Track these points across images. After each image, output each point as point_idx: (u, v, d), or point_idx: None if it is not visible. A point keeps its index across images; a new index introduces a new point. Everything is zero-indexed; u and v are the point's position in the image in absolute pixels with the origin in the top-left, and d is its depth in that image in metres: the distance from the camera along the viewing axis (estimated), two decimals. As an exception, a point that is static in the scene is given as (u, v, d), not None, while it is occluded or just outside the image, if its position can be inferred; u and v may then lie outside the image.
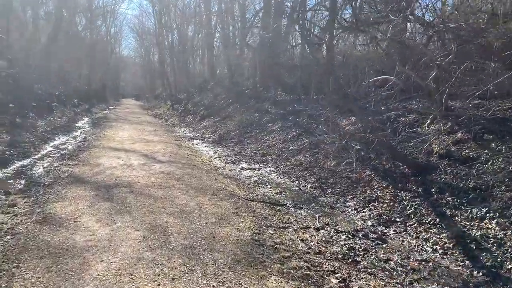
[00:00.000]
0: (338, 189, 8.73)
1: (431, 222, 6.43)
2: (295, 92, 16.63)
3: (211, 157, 12.95)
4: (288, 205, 7.76)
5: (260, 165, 11.71)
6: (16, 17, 27.70)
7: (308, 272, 4.64)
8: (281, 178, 10.18)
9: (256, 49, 19.73)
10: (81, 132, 18.33)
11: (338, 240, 6.03)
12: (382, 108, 11.15)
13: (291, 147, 12.27)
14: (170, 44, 40.56)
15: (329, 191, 8.75)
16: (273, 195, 8.40)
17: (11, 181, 9.01)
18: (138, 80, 75.81)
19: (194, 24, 38.86)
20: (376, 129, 10.15)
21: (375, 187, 8.21)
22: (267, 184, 9.46)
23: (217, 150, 14.38)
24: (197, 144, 15.96)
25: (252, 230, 5.85)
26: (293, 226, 6.43)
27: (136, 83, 78.04)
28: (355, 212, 7.56)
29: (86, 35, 47.56)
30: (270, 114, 16.28)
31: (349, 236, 6.26)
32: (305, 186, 9.33)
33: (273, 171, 10.87)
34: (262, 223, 6.29)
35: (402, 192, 7.61)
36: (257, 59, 19.44)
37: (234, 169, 11.09)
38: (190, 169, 10.10)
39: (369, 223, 6.97)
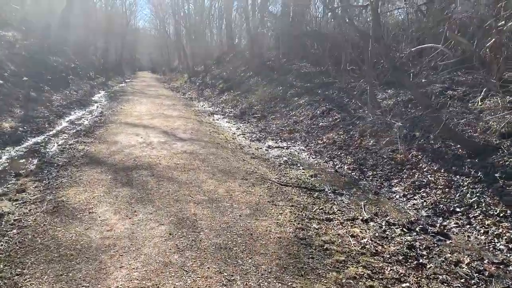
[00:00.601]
0: (381, 172, 7.76)
1: (501, 214, 5.45)
2: (322, 64, 15.45)
3: (234, 134, 12.05)
4: (326, 190, 6.85)
5: (288, 143, 10.77)
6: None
7: (372, 284, 3.75)
8: (313, 158, 9.24)
9: (278, 18, 18.44)
10: (97, 107, 17.58)
11: (393, 235, 5.13)
12: (423, 81, 10.00)
13: (321, 123, 11.27)
14: (186, 14, 39.19)
15: (370, 174, 7.80)
16: (307, 179, 7.49)
17: (23, 160, 8.31)
18: (153, 52, 74.64)
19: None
20: (421, 104, 9.08)
21: (424, 170, 7.22)
22: (298, 165, 8.55)
23: (240, 126, 13.46)
24: (218, 120, 15.06)
25: (294, 224, 4.99)
26: (337, 217, 5.53)
27: (152, 56, 76.92)
28: (405, 199, 6.62)
29: (102, 7, 46.46)
30: (295, 88, 15.21)
31: (404, 230, 5.35)
32: (342, 167, 8.39)
33: (303, 150, 9.94)
34: (303, 214, 5.41)
35: (458, 176, 6.61)
36: (279, 29, 18.18)
37: (261, 148, 10.18)
38: (214, 148, 9.23)
39: (424, 213, 6.04)
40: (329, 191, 6.81)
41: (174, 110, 16.37)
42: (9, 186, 6.37)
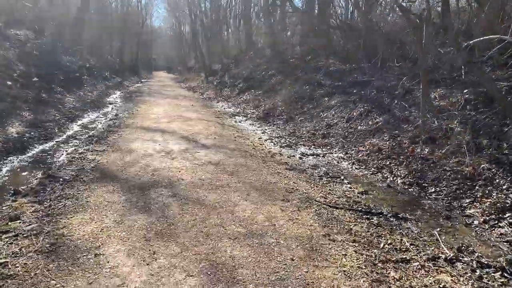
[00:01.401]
0: (445, 188, 6.39)
1: None
2: (352, 61, 14.06)
3: (260, 138, 10.78)
4: (385, 213, 5.52)
5: (324, 149, 9.45)
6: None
7: None
8: (356, 168, 7.91)
9: (303, 12, 17.08)
10: (112, 108, 16.50)
11: (494, 284, 3.78)
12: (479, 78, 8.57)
13: (359, 127, 9.91)
14: (203, 12, 38.02)
15: (432, 191, 6.44)
16: (357, 197, 6.18)
17: (26, 173, 7.20)
18: (169, 52, 73.87)
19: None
20: (483, 105, 7.68)
21: (504, 187, 5.83)
22: (342, 177, 7.24)
23: (266, 130, 12.18)
24: (240, 122, 13.81)
25: (366, 273, 3.69)
26: (414, 256, 4.22)
27: (167, 55, 76.17)
28: (487, 226, 5.25)
29: (117, 6, 45.68)
30: (325, 87, 13.85)
31: (506, 275, 3.99)
32: (395, 181, 7.05)
33: (343, 159, 8.61)
34: (372, 255, 4.11)
35: (554, 198, 5.20)
36: (304, 24, 16.82)
37: (294, 156, 8.90)
38: (243, 158, 7.98)
39: (521, 248, 4.65)
40: (389, 215, 5.48)
41: (193, 111, 15.17)
42: (3, 209, 5.21)
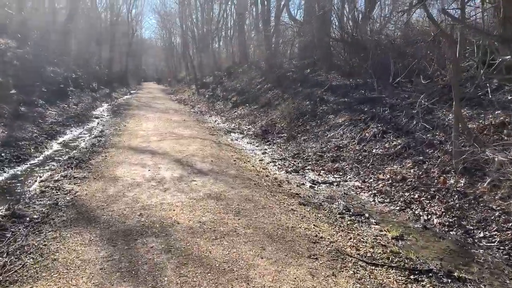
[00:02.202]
0: (497, 233, 5.20)
1: None
2: (357, 75, 12.96)
3: (262, 161, 9.56)
4: (435, 271, 4.29)
5: (336, 176, 8.24)
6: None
7: None
8: (380, 202, 6.69)
9: (302, 24, 16.00)
10: (98, 123, 15.12)
11: None
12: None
13: (374, 150, 8.73)
14: (194, 24, 36.91)
15: (481, 236, 5.24)
16: (393, 244, 4.97)
17: (-16, 210, 5.78)
18: (159, 63, 72.59)
19: (220, 2, 35.09)
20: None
21: None
22: (366, 215, 6.02)
23: (266, 150, 10.95)
24: (237, 140, 12.56)
25: None
26: None
27: (157, 66, 74.86)
28: None
29: (107, 16, 44.30)
30: (328, 103, 12.69)
31: None
32: (430, 221, 5.85)
33: (361, 189, 7.39)
34: None
35: None
36: (304, 35, 15.73)
37: (303, 184, 7.67)
38: (247, 188, 6.72)
39: None
40: (440, 273, 4.25)
41: (185, 127, 13.87)
42: None
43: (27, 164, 8.71)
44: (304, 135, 11.63)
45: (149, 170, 7.66)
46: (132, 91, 38.84)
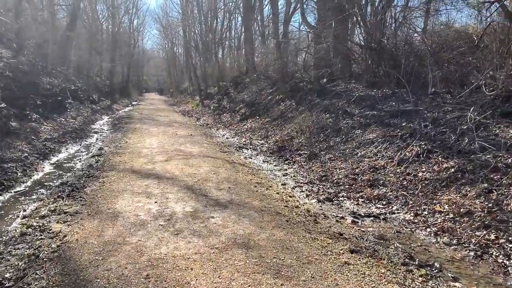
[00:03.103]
0: None
1: None
2: (384, 86, 11.61)
3: (285, 185, 8.17)
4: None
5: (378, 205, 6.84)
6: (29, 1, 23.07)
7: None
8: (446, 245, 5.30)
9: (318, 29, 14.70)
10: (97, 139, 13.75)
11: None
12: None
13: (420, 174, 7.33)
14: (197, 34, 35.74)
15: None
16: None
17: None
18: (161, 73, 71.53)
19: (224, 11, 33.97)
20: None
21: None
22: (437, 266, 4.62)
23: (287, 170, 9.56)
24: (251, 158, 11.17)
25: None
26: None
27: (159, 77, 73.78)
28: None
29: (108, 27, 43.23)
30: (353, 116, 11.31)
31: None
32: (526, 277, 4.40)
33: (415, 224, 5.99)
34: None
35: None
36: (320, 42, 14.40)
37: (342, 217, 6.28)
38: (279, 228, 5.34)
39: None
40: None
41: (193, 143, 12.49)
42: None
43: (11, 192, 7.33)
44: (328, 152, 10.24)
45: (155, 202, 6.25)
46: (133, 102, 37.59)
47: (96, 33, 36.64)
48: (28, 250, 4.65)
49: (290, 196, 7.24)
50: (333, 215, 6.38)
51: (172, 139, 13.17)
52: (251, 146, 13.07)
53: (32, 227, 5.40)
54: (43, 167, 9.35)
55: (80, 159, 10.48)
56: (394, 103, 10.57)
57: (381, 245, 5.20)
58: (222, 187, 7.31)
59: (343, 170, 8.84)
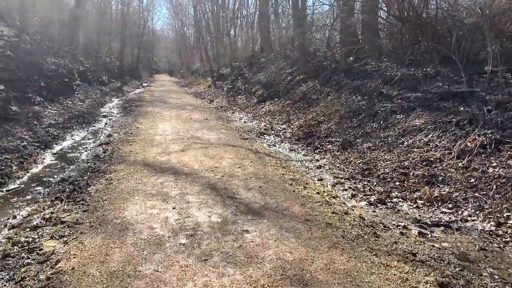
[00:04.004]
0: None
1: None
2: (421, 64, 10.07)
3: (322, 181, 6.89)
4: None
5: (444, 210, 5.51)
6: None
7: None
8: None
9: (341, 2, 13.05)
10: (106, 124, 12.48)
11: None
12: None
13: (490, 170, 5.93)
14: (210, 12, 33.94)
15: None
16: None
17: None
18: (171, 54, 69.71)
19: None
20: None
21: None
22: None
23: (319, 161, 8.22)
24: (275, 145, 9.84)
25: None
26: None
27: (169, 58, 71.98)
28: None
29: (117, 7, 41.50)
30: (391, 98, 9.83)
31: None
32: None
33: (501, 238, 4.63)
34: None
35: None
36: (347, 16, 12.78)
37: (405, 226, 4.94)
38: (336, 248, 4.06)
39: None
40: None
41: (210, 129, 11.15)
42: None
43: (2, 190, 6.08)
44: (365, 140, 8.82)
45: (173, 207, 4.95)
46: (144, 84, 36.21)
47: (105, 13, 35.01)
48: (8, 283, 3.39)
49: (334, 197, 5.90)
50: (393, 224, 5.03)
51: (186, 124, 11.83)
52: (272, 132, 11.70)
53: (19, 245, 4.15)
54: (44, 158, 8.09)
55: (86, 147, 9.22)
56: (441, 84, 9.05)
57: (470, 271, 3.85)
58: (252, 185, 5.97)
59: (388, 162, 7.44)
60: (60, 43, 20.09)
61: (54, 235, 4.29)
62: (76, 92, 16.91)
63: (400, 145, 7.88)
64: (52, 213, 4.98)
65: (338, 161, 8.20)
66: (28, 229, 4.56)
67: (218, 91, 24.56)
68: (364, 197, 6.06)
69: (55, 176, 6.89)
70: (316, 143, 9.76)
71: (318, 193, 5.98)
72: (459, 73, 8.76)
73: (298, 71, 15.79)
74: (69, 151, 8.95)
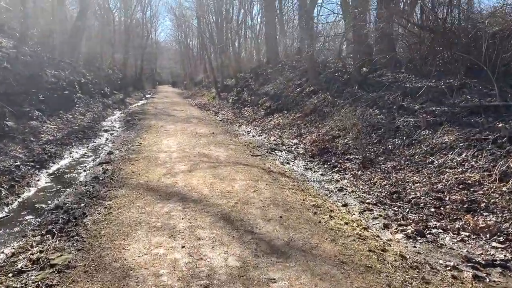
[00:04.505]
0: None
1: None
2: (450, 75, 9.36)
3: (347, 207, 6.11)
4: None
5: (495, 245, 4.75)
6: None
7: None
8: None
9: (353, 9, 12.40)
10: (107, 139, 11.76)
11: None
12: None
13: (545, 198, 5.11)
14: (212, 23, 33.49)
15: None
16: None
17: None
18: (174, 66, 69.44)
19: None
20: None
21: None
22: None
23: (340, 182, 7.50)
24: (288, 163, 9.11)
25: None
26: None
27: (172, 69, 71.73)
28: None
29: (121, 18, 41.20)
30: (413, 112, 9.11)
31: None
32: None
33: None
34: None
35: None
36: (360, 26, 12.13)
37: (455, 267, 4.19)
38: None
39: None
40: None
41: (217, 144, 10.43)
42: None
43: (-15, 222, 5.33)
44: (388, 158, 8.07)
45: (182, 246, 4.19)
46: (147, 95, 35.68)
47: (108, 24, 34.64)
48: None
49: (365, 229, 5.12)
50: (441, 263, 4.26)
51: (192, 139, 11.11)
52: (284, 147, 10.96)
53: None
54: (38, 180, 7.37)
55: (85, 167, 8.49)
56: (469, 97, 8.31)
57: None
58: (271, 214, 5.21)
59: (418, 184, 6.68)
60: (61, 55, 19.52)
61: (41, 285, 3.53)
62: (77, 105, 16.28)
63: (430, 165, 7.12)
64: (40, 251, 4.24)
65: (360, 182, 7.44)
66: (11, 274, 3.82)
67: (223, 103, 23.92)
68: (399, 227, 5.29)
69: (49, 202, 6.15)
70: (333, 161, 9.01)
71: (346, 223, 5.22)
72: (488, 85, 8.07)
73: (308, 83, 15.10)
74: (67, 171, 8.22)
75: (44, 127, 11.41)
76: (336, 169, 8.44)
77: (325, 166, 8.80)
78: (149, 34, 50.99)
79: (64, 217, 5.25)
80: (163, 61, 72.60)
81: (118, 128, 14.46)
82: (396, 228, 5.27)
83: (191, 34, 47.62)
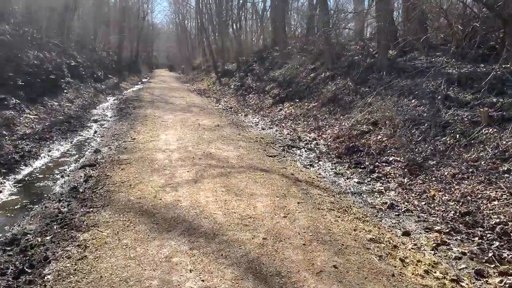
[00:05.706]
0: None
1: None
2: (493, 59, 7.60)
3: (409, 236, 4.38)
4: None
5: None
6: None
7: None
8: None
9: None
10: (95, 132, 9.99)
11: None
12: None
13: None
14: (211, 4, 31.27)
15: None
16: None
17: None
18: (171, 50, 66.88)
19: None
20: None
21: None
22: None
23: (384, 194, 5.80)
24: (312, 165, 7.46)
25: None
26: None
27: (169, 53, 69.18)
28: None
29: (116, -1, 38.73)
30: (465, 104, 7.35)
31: None
32: None
33: None
34: None
35: None
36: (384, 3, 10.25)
37: None
38: None
39: None
40: None
41: (225, 141, 8.71)
42: None
43: None
44: (442, 162, 6.37)
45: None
46: (143, 79, 33.69)
47: (103, 3, 32.30)
48: None
49: (456, 281, 3.42)
50: None
51: (195, 134, 9.35)
52: (302, 144, 9.28)
53: None
54: (0, 191, 5.59)
55: (64, 171, 6.74)
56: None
57: None
58: (319, 261, 3.53)
59: (496, 202, 5.01)
60: (49, 34, 17.47)
61: None
62: (65, 91, 14.43)
63: (506, 175, 5.40)
64: None
65: (412, 194, 5.76)
66: None
67: (224, 89, 22.06)
68: (496, 274, 3.60)
69: (6, 228, 4.42)
70: (366, 163, 7.32)
71: (426, 271, 3.53)
72: None
73: (323, 67, 13.26)
74: (40, 176, 6.48)
75: (21, 118, 9.61)
76: (375, 175, 6.75)
77: (359, 170, 7.11)
78: (146, 15, 48.51)
79: (17, 263, 3.53)
80: (160, 44, 69.96)
81: (110, 117, 12.64)
82: (488, 273, 3.58)
83: (188, 16, 45.28)
